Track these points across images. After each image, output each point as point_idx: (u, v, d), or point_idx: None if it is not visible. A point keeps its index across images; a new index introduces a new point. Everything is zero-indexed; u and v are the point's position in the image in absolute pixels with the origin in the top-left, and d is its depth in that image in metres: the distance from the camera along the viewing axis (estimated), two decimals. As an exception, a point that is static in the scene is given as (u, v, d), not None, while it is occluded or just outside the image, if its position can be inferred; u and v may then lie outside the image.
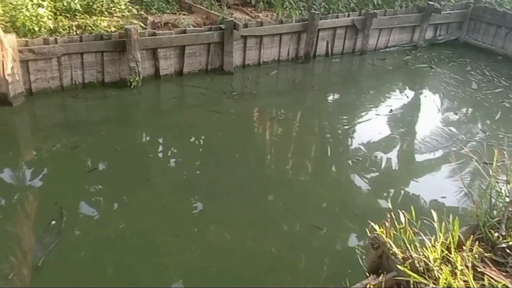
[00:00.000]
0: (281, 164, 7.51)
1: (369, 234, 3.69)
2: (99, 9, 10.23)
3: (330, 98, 10.51)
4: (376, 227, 3.57)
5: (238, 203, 6.30)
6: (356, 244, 5.47)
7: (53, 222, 5.47)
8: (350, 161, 7.52)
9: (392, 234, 3.57)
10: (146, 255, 5.19)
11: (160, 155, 7.67)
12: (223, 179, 6.86)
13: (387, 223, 3.63)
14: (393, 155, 7.94)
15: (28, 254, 5.04)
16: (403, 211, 3.66)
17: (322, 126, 9.07)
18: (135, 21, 9.96)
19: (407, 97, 10.75)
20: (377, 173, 7.28)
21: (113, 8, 10.43)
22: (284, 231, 5.85)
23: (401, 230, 3.61)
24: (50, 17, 9.15)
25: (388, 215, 3.63)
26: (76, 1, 9.89)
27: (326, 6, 12.82)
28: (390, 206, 3.83)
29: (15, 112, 8.29)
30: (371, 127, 8.87)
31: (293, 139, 8.46)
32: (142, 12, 10.89)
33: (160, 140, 8.10)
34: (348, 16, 12.52)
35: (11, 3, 9.03)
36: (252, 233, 5.75)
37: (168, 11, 11.32)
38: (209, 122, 8.72)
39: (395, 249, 3.48)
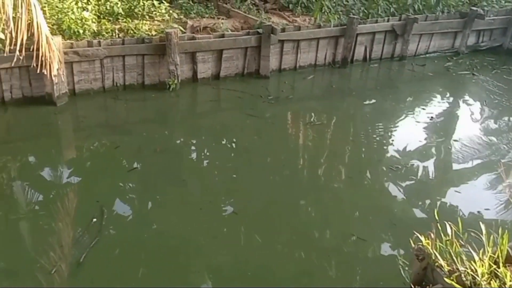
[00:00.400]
0: (315, 169, 7.45)
1: (413, 245, 3.61)
2: (140, 13, 10.45)
3: (368, 103, 10.36)
4: (422, 238, 3.48)
5: (270, 207, 6.28)
6: (396, 254, 5.34)
7: (94, 220, 5.59)
8: (386, 169, 7.36)
9: (438, 246, 3.47)
10: (182, 255, 5.26)
11: (196, 156, 7.75)
12: (256, 182, 6.87)
13: (432, 234, 3.53)
14: (431, 163, 7.74)
15: (70, 250, 5.17)
16: (449, 223, 3.55)
17: (358, 132, 8.95)
18: (175, 25, 10.12)
19: (448, 104, 10.49)
20: (414, 182, 7.11)
21: (154, 12, 10.63)
22: (316, 238, 5.78)
23: (447, 242, 3.51)
24: (94, 20, 9.42)
25: (433, 226, 3.54)
26: (118, 5, 10.16)
27: (365, 11, 12.67)
28: (436, 217, 3.73)
29: (58, 112, 8.55)
30: (409, 134, 8.68)
31: (328, 145, 8.39)
32: (181, 17, 11.05)
33: (197, 142, 8.19)
34: (388, 21, 12.34)
35: (57, 7, 9.37)
36: (283, 238, 5.71)
37: (206, 15, 11.45)
38: (245, 125, 8.76)
39: (441, 261, 3.39)
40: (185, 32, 10.23)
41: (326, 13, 11.80)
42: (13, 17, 6.69)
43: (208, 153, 7.82)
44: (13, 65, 7.90)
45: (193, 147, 8.04)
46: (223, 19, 11.38)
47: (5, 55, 7.76)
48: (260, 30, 10.30)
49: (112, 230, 5.55)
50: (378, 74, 12.28)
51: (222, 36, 10.07)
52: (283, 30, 10.63)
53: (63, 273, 4.86)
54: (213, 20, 11.16)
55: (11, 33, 6.80)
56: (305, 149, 8.19)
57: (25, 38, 6.75)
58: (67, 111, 8.71)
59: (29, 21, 6.86)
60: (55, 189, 6.42)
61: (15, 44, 6.78)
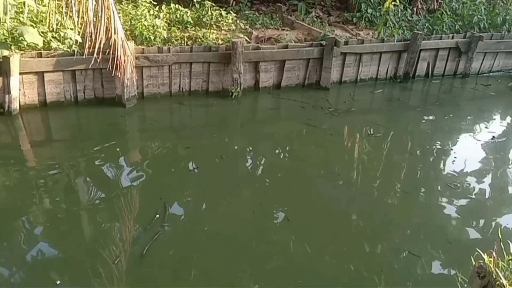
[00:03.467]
0: (370, 182, 7.40)
1: (473, 262, 3.57)
2: (208, 22, 10.88)
3: (428, 119, 10.16)
4: (484, 256, 3.44)
5: (322, 217, 6.31)
6: (452, 272, 5.23)
7: (157, 215, 5.90)
8: (443, 186, 7.20)
9: (500, 265, 3.42)
10: (233, 257, 5.41)
11: (253, 162, 7.92)
12: (310, 191, 6.94)
13: (494, 253, 3.49)
14: (490, 183, 7.47)
15: (133, 242, 5.48)
16: (513, 242, 3.49)
17: (416, 147, 8.79)
18: (241, 35, 10.46)
19: (510, 124, 10.09)
20: (471, 201, 6.88)
21: (221, 22, 11.04)
22: (366, 252, 5.71)
23: (510, 261, 3.45)
24: (164, 27, 9.94)
25: (496, 245, 3.50)
26: (188, 14, 10.66)
27: (430, 27, 12.48)
28: (500, 236, 3.66)
29: (127, 113, 9.06)
30: (468, 152, 8.45)
31: (385, 158, 8.30)
32: (247, 27, 11.39)
33: (254, 149, 8.37)
34: (452, 38, 12.10)
35: (130, 13, 9.98)
36: (333, 249, 5.72)
37: (271, 26, 11.73)
38: (303, 135, 8.88)
39: (502, 280, 3.34)
40: (250, 42, 10.54)
41: (390, 28, 11.74)
42: (93, 22, 7.25)
43: (264, 160, 7.99)
44: (89, 67, 8.57)
45: (250, 154, 8.24)
46: (287, 30, 11.61)
47: (83, 57, 8.41)
48: (323, 42, 10.43)
49: (173, 226, 5.81)
50: (440, 90, 12.01)
51: (286, 47, 10.29)
52: (346, 43, 10.69)
53: (125, 264, 5.15)
54: (277, 31, 11.42)
55: (91, 36, 7.36)
56: (361, 161, 8.17)
57: (102, 42, 7.26)
58: (135, 113, 9.20)
59: (106, 26, 7.37)
60: (120, 185, 6.78)
61: (93, 47, 7.32)
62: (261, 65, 10.25)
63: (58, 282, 4.79)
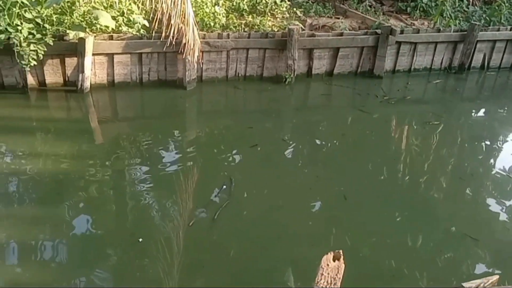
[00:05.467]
0: (425, 168, 7.43)
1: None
2: (263, 10, 11.17)
3: (483, 111, 10.08)
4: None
5: (377, 198, 6.46)
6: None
7: (224, 186, 6.27)
8: (499, 175, 7.20)
9: None
10: (293, 229, 5.67)
11: (310, 145, 8.16)
12: (366, 174, 7.09)
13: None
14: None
15: (205, 208, 5.86)
16: None
17: (472, 137, 8.77)
18: (296, 22, 10.69)
19: None
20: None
21: (275, 10, 11.30)
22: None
23: None
24: (223, 14, 10.30)
25: None
26: (244, 2, 10.99)
27: (487, 18, 12.29)
28: None
29: (187, 95, 9.47)
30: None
31: (440, 146, 8.29)
32: (300, 15, 11.60)
33: (310, 132, 8.59)
34: (511, 30, 11.88)
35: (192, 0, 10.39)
36: (390, 230, 5.82)
37: (324, 15, 11.90)
38: (357, 121, 9.02)
39: None
40: (304, 30, 10.75)
41: (446, 18, 11.66)
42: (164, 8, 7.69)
43: (320, 143, 8.20)
44: (155, 50, 9.05)
45: (306, 137, 8.45)
46: (339, 18, 11.75)
47: (150, 41, 8.91)
48: (378, 31, 10.51)
49: (239, 197, 6.16)
50: (496, 83, 11.85)
51: (341, 34, 10.44)
52: (401, 31, 10.73)
53: (199, 225, 5.55)
54: (330, 20, 11.58)
55: (161, 21, 7.81)
56: (417, 148, 8.24)
57: (176, 27, 7.68)
58: (194, 95, 9.62)
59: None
60: (185, 160, 7.17)
61: (166, 32, 7.75)
62: (315, 52, 10.44)
63: (140, 239, 5.24)
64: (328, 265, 3.26)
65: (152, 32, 8.83)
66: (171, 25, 7.85)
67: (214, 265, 5.02)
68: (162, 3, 7.43)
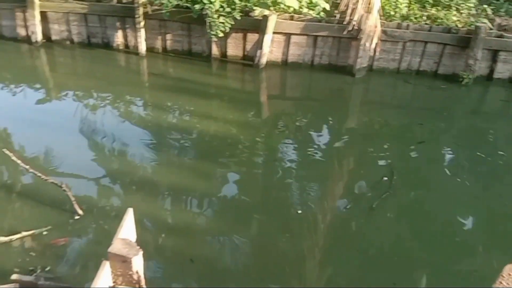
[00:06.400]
0: None
1: None
2: (447, 3, 10.47)
3: None
4: None
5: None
6: None
7: (385, 178, 6.17)
8: None
9: None
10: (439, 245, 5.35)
11: (474, 156, 7.34)
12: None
13: None
14: None
15: (362, 196, 5.88)
16: None
17: None
18: (484, 20, 9.82)
19: None
20: None
21: (461, 5, 10.50)
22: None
23: None
24: (405, 4, 9.94)
25: None
26: (427, -7, 10.43)
27: None
28: None
29: (354, 83, 9.47)
30: None
31: None
32: (490, 13, 10.60)
33: (477, 140, 7.90)
34: None
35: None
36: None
37: (517, 15, 10.70)
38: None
39: None
40: (492, 29, 9.83)
41: None
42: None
43: (486, 155, 7.37)
44: (331, 34, 9.18)
45: (474, 143, 7.76)
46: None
47: (328, 24, 9.06)
48: None
49: (399, 190, 6.02)
50: None
51: (537, 38, 9.32)
52: None
53: (355, 212, 5.59)
54: (525, 21, 10.36)
55: (345, 6, 7.86)
56: None
57: (360, 13, 7.68)
58: (362, 84, 9.56)
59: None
60: (343, 146, 7.29)
61: (349, 16, 7.78)
62: (500, 55, 9.50)
63: (299, 211, 5.50)
64: (510, 274, 3.03)
65: (335, 16, 8.92)
66: (354, 10, 7.84)
67: (362, 254, 5.01)
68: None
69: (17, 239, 4.69)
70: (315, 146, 7.12)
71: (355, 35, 8.68)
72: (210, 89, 8.97)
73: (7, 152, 5.33)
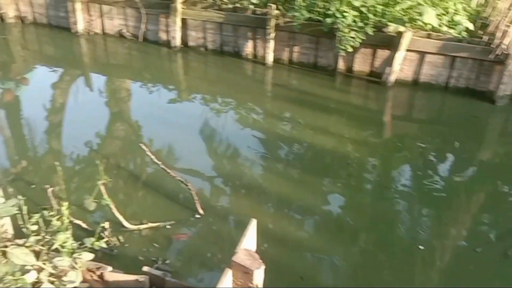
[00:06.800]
0: None
1: None
2: None
3: None
4: None
5: None
6: None
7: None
8: None
9: None
10: None
11: None
12: None
13: None
14: None
15: (495, 239, 5.28)
16: None
17: None
18: None
19: None
20: None
21: None
22: None
23: None
24: None
25: None
26: None
27: None
28: None
29: (495, 111, 8.56)
30: None
31: None
32: None
33: None
34: None
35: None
36: None
37: None
38: None
39: None
40: None
41: None
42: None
43: None
44: (472, 56, 8.45)
45: None
46: None
47: (469, 45, 8.36)
48: None
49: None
50: None
51: None
52: None
53: (487, 255, 5.02)
54: None
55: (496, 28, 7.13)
56: None
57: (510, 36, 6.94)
58: (503, 112, 8.59)
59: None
60: (465, 181, 6.67)
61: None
62: None
63: (420, 246, 5.08)
64: None
65: (481, 38, 8.20)
66: (505, 33, 7.11)
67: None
68: (495, 7, 6.78)
69: (144, 228, 5.00)
70: (438, 176, 6.59)
71: (503, 60, 7.85)
72: (331, 103, 8.80)
73: (143, 147, 5.73)
